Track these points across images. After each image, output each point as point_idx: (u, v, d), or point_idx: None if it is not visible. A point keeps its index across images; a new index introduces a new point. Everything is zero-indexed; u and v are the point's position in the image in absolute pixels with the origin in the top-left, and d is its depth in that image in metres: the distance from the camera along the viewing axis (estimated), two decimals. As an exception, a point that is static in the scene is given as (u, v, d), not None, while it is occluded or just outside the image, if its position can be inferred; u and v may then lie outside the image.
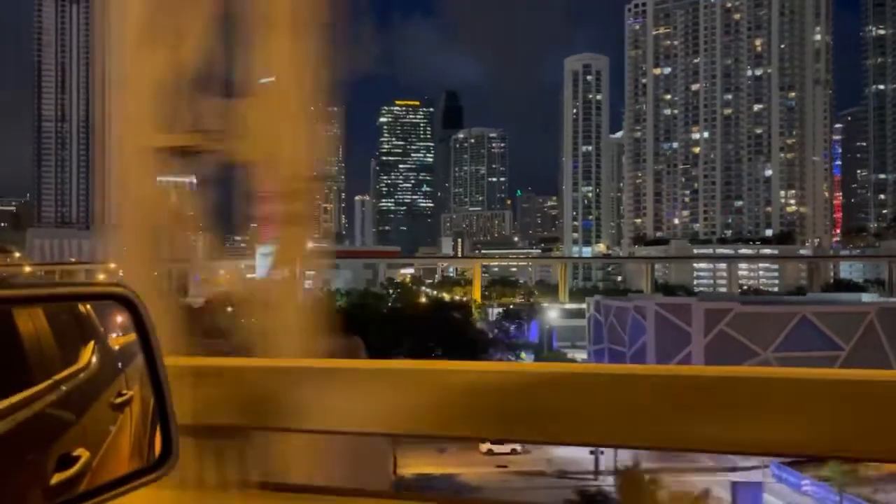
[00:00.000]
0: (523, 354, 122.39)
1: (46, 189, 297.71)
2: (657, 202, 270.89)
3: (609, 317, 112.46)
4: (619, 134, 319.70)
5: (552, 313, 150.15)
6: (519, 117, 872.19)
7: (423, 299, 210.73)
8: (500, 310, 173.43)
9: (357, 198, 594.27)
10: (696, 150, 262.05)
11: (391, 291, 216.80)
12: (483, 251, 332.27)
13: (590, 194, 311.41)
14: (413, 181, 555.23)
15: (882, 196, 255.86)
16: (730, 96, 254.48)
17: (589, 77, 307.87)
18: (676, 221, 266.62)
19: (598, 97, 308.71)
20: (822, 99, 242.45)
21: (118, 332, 2.22)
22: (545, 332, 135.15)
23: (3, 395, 1.67)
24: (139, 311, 1.90)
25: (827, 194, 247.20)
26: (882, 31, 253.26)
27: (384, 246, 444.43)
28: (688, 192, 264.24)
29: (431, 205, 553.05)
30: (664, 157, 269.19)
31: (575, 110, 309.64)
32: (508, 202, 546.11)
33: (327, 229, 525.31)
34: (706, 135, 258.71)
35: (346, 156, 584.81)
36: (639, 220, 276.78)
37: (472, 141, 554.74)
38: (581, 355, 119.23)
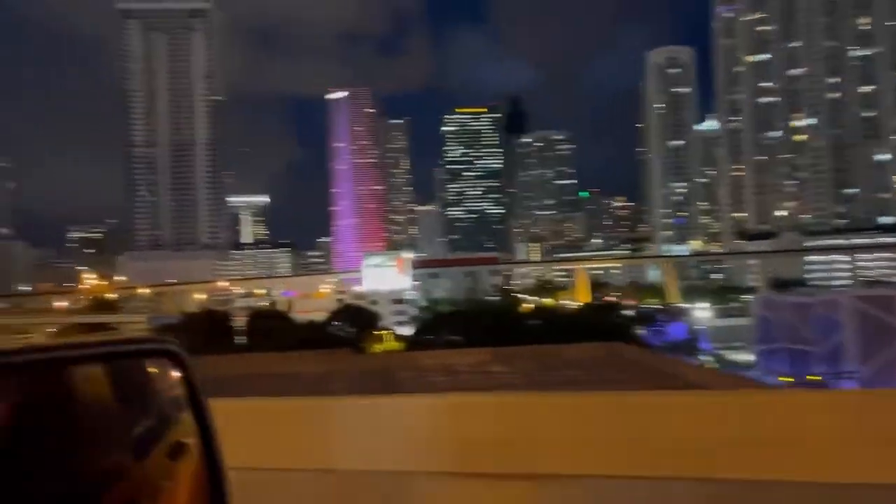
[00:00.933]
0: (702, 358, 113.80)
1: (139, 213, 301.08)
2: (759, 194, 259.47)
3: (784, 314, 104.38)
4: (704, 125, 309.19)
5: (699, 314, 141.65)
6: (583, 118, 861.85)
7: (534, 306, 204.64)
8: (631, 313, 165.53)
9: (421, 208, 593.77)
10: (800, 137, 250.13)
11: (502, 299, 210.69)
12: (561, 255, 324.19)
13: (679, 190, 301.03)
14: (481, 188, 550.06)
15: None
16: (835, 79, 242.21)
17: (673, 70, 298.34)
18: (781, 213, 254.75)
19: (685, 90, 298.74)
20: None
21: (170, 384, 2.30)
22: (693, 333, 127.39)
23: (64, 450, 1.73)
24: (186, 365, 1.93)
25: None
26: None
27: (455, 254, 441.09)
28: (792, 182, 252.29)
29: (501, 211, 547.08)
30: (764, 147, 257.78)
31: (662, 105, 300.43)
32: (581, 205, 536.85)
33: (399, 240, 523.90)
34: (811, 121, 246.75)
35: (411, 167, 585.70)
36: (739, 215, 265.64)
37: (539, 145, 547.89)
38: (743, 356, 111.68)
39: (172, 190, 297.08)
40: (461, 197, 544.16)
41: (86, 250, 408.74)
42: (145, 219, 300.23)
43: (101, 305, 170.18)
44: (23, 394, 1.66)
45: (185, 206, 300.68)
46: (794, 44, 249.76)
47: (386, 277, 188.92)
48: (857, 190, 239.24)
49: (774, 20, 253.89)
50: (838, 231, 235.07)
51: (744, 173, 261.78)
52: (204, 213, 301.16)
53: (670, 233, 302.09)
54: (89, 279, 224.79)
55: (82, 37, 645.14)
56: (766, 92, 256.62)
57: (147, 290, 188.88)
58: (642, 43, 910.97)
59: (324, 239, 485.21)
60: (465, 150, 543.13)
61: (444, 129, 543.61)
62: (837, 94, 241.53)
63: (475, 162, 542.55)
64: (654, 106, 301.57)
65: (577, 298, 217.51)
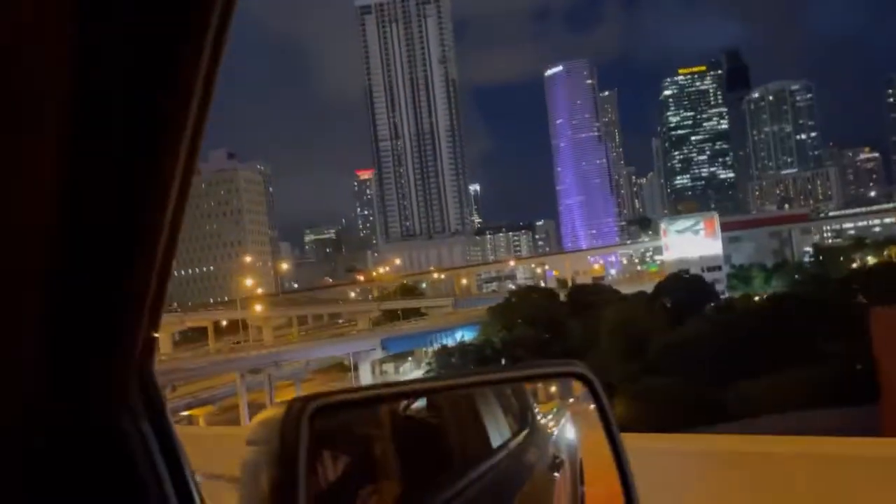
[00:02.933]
0: None
1: (389, 205, 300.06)
2: None
3: None
4: None
5: None
6: (814, 67, 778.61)
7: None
8: None
9: (641, 180, 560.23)
10: None
11: (821, 260, 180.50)
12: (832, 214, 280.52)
13: None
14: (709, 152, 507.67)
15: None
16: None
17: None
18: None
19: None
20: None
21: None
22: None
23: (471, 465, 1.90)
24: (595, 385, 2.00)
25: None
26: None
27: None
28: None
29: (732, 175, 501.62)
30: None
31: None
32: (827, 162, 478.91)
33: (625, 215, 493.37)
34: None
35: (622, 140, 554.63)
36: None
37: (771, 98, 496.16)
38: None
39: (417, 180, 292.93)
40: (687, 164, 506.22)
41: (327, 250, 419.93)
42: (395, 210, 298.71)
43: (405, 291, 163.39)
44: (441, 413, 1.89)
45: (433, 195, 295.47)
46: None
47: (694, 243, 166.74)
48: None
49: None
50: None
51: None
52: (452, 201, 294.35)
53: None
54: (372, 271, 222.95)
55: (322, 37, 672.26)
56: None
57: (441, 276, 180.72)
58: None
59: (540, 221, 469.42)
60: (686, 114, 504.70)
61: (665, 94, 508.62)
62: None
63: (702, 125, 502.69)
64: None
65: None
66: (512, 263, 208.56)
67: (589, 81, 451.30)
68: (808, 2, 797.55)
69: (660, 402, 49.03)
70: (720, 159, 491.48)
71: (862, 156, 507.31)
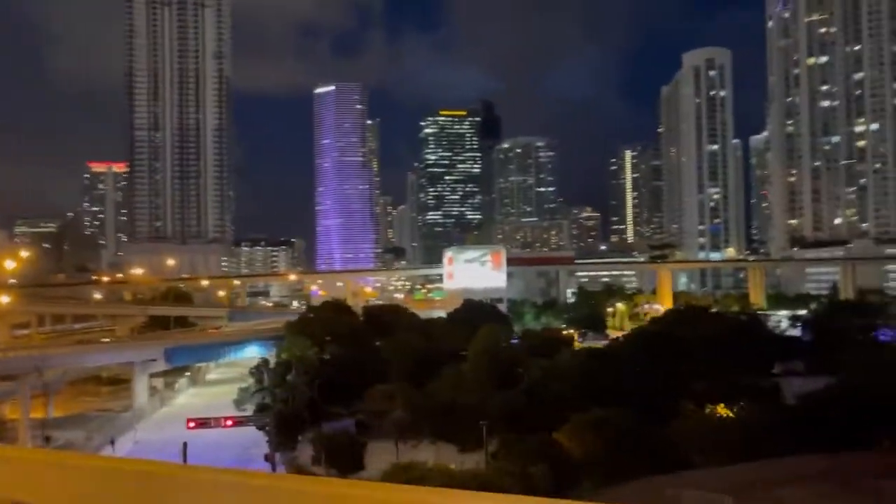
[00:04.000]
0: None
1: (140, 202, 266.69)
2: (815, 201, 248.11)
3: None
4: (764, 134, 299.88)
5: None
6: (557, 127, 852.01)
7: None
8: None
9: (395, 210, 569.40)
10: (862, 143, 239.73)
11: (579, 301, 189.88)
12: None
13: (716, 196, 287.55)
14: (461, 193, 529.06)
15: None
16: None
17: (712, 72, 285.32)
18: (838, 221, 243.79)
19: (723, 93, 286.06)
20: None
21: None
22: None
23: None
24: None
25: None
26: None
27: (430, 260, 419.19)
28: (852, 189, 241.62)
29: (480, 216, 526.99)
30: (823, 152, 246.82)
31: (695, 107, 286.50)
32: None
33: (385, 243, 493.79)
34: (874, 127, 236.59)
35: (381, 170, 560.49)
36: (794, 222, 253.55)
37: (519, 150, 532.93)
38: None
39: (178, 178, 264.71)
40: (440, 201, 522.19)
41: (44, 245, 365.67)
42: (146, 208, 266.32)
43: (176, 297, 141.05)
44: None
45: (191, 196, 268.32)
46: (857, 47, 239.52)
47: (481, 274, 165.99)
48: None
49: (836, 22, 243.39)
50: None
51: (800, 179, 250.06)
52: (213, 205, 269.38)
53: (702, 239, 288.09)
54: (116, 272, 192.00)
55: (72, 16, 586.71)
56: (826, 96, 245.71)
57: (206, 283, 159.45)
58: (606, 50, 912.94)
59: (295, 239, 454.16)
60: (444, 153, 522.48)
61: (425, 131, 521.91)
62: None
63: (455, 166, 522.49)
64: (691, 109, 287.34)
65: (662, 302, 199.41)
66: (293, 277, 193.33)
67: (359, 106, 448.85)
68: (555, 68, 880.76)
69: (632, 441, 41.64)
70: (470, 200, 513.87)
71: (584, 214, 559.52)
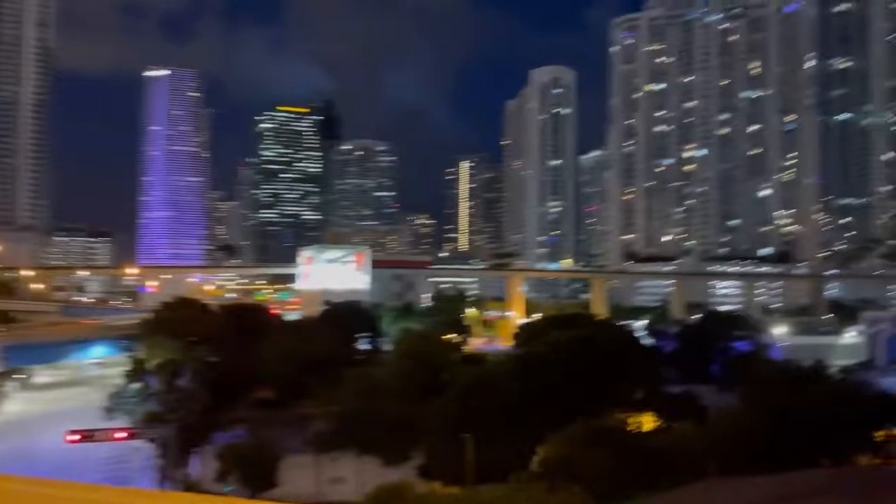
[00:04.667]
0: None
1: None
2: (648, 219, 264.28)
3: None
4: (595, 153, 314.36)
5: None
6: (394, 132, 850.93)
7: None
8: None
9: (225, 205, 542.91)
10: (690, 167, 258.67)
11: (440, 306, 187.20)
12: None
13: (556, 209, 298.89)
14: (299, 192, 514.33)
15: (848, 219, 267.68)
16: (726, 116, 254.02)
17: (557, 90, 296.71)
18: (667, 238, 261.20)
19: (567, 111, 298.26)
20: (816, 124, 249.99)
21: None
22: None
23: None
24: None
25: (818, 215, 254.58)
26: (848, 64, 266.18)
27: (264, 259, 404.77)
28: (680, 209, 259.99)
29: (319, 217, 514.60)
30: (657, 173, 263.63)
31: (542, 122, 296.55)
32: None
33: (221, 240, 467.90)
34: (702, 153, 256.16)
35: (212, 162, 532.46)
36: (628, 237, 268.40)
37: (360, 153, 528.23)
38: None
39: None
40: (276, 199, 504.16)
41: None
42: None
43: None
44: None
45: (3, 176, 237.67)
46: (690, 78, 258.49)
47: (342, 275, 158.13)
48: (739, 221, 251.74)
49: (673, 53, 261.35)
50: (722, 259, 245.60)
51: (636, 197, 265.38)
52: (27, 187, 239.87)
53: (541, 250, 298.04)
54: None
55: None
56: (661, 121, 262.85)
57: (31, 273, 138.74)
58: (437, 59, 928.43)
59: (116, 230, 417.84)
60: (282, 150, 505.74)
61: (262, 125, 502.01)
62: (727, 130, 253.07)
63: (293, 164, 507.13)
64: (536, 124, 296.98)
65: (514, 310, 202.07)
66: (133, 271, 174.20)
67: (194, 94, 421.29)
68: (397, 74, 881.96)
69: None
70: (307, 200, 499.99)
71: (420, 221, 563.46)
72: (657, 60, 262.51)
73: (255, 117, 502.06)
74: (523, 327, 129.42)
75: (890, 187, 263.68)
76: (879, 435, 47.38)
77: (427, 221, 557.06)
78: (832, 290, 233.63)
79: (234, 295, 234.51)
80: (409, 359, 63.99)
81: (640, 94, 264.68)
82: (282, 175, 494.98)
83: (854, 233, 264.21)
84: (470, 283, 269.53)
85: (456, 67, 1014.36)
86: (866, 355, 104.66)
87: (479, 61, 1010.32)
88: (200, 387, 58.93)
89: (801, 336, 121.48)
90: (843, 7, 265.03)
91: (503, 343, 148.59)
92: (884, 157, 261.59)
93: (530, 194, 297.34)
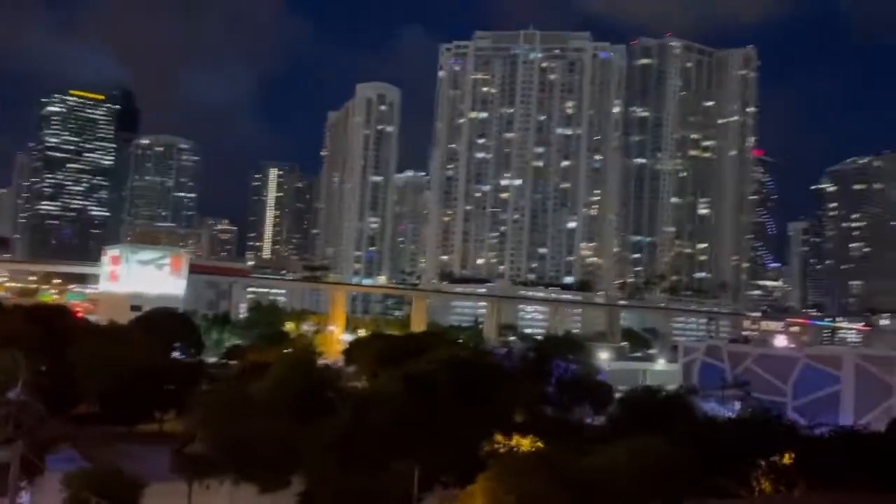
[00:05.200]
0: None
1: None
2: (465, 241, 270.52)
3: (741, 365, 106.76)
4: (407, 173, 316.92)
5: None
6: (198, 133, 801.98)
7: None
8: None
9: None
10: (506, 195, 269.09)
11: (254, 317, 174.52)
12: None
13: (374, 225, 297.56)
14: (86, 184, 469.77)
15: (637, 255, 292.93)
16: (541, 150, 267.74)
17: (383, 107, 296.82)
18: (481, 261, 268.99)
19: (391, 129, 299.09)
20: (620, 164, 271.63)
21: None
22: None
23: None
24: None
25: (617, 249, 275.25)
26: (644, 114, 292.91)
27: (41, 256, 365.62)
28: (495, 234, 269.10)
29: (108, 214, 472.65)
30: (474, 198, 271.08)
31: (365, 136, 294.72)
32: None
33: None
34: (517, 182, 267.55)
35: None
36: (445, 258, 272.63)
37: (160, 149, 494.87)
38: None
39: None
40: (58, 190, 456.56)
41: None
42: None
43: None
44: None
45: None
46: (510, 110, 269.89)
47: (156, 278, 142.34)
48: (547, 250, 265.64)
49: (497, 85, 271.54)
50: (530, 284, 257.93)
51: (454, 219, 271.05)
52: None
53: (358, 265, 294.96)
54: None
55: None
56: (482, 148, 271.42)
57: None
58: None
59: None
60: (70, 138, 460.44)
61: (49, 109, 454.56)
62: (541, 164, 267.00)
63: (82, 154, 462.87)
64: (360, 139, 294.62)
65: (335, 324, 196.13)
66: None
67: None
68: (204, 74, 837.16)
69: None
70: (96, 195, 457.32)
71: (221, 226, 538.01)
72: (482, 89, 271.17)
73: (42, 99, 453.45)
74: (357, 344, 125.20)
75: (674, 228, 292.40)
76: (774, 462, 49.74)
77: (229, 227, 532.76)
78: (624, 320, 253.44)
79: (7, 295, 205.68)
80: (286, 373, 57.93)
81: (464, 120, 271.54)
82: (69, 165, 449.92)
83: (642, 268, 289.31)
84: (278, 295, 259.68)
85: (273, 77, 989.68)
86: (681, 381, 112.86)
87: (298, 73, 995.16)
88: (34, 398, 48.77)
89: (617, 362, 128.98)
90: (645, 61, 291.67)
91: (328, 359, 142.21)
92: (672, 201, 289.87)
93: (349, 208, 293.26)
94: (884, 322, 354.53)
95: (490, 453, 57.28)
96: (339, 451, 49.29)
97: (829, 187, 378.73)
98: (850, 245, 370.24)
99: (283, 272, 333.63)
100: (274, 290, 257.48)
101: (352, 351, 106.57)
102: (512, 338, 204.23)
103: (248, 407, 55.90)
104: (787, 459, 51.39)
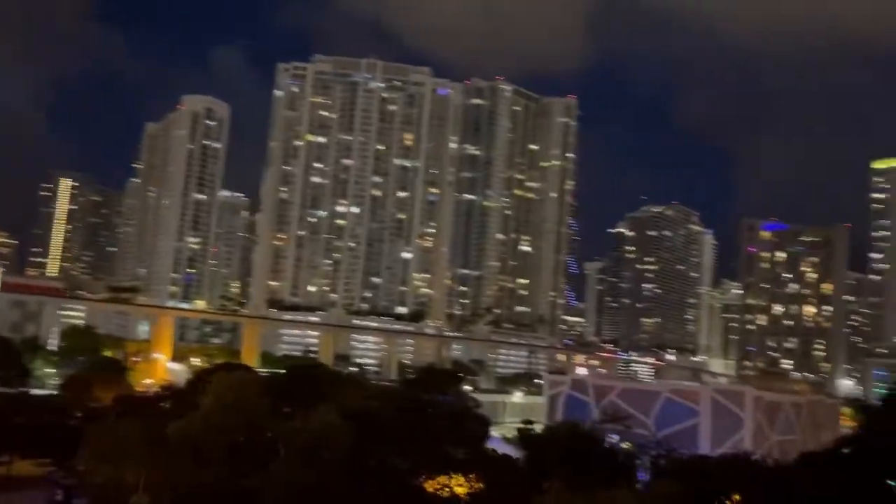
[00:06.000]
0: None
1: None
2: (297, 267, 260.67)
3: (606, 398, 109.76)
4: (224, 193, 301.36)
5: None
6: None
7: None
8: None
9: None
10: (342, 222, 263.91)
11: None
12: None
13: (195, 246, 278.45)
14: None
15: (464, 288, 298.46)
16: (379, 179, 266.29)
17: (210, 122, 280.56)
18: (313, 288, 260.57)
19: (218, 145, 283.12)
20: (452, 199, 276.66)
21: None
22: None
23: None
24: None
25: (448, 281, 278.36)
26: (476, 152, 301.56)
27: None
28: (329, 261, 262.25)
29: None
30: (309, 223, 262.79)
31: (189, 152, 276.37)
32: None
33: None
34: (354, 209, 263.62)
35: None
36: (275, 283, 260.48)
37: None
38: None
39: None
40: None
41: None
42: None
43: None
44: None
45: None
46: (349, 137, 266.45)
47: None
48: (381, 279, 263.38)
49: (336, 110, 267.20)
50: (364, 313, 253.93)
51: (286, 243, 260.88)
52: None
53: (174, 288, 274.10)
54: None
55: None
56: (319, 172, 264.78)
57: None
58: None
59: None
60: None
61: None
62: (379, 193, 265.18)
63: None
64: (183, 153, 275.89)
65: (161, 351, 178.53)
66: None
67: None
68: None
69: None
70: None
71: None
72: (321, 113, 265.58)
73: None
74: (214, 376, 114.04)
75: (498, 264, 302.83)
76: None
77: (7, 240, 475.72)
78: (455, 350, 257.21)
79: None
80: (222, 410, 50.54)
81: (301, 142, 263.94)
82: None
83: (468, 300, 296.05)
84: (76, 318, 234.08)
85: (77, 86, 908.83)
86: (547, 415, 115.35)
87: (107, 85, 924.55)
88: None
89: (475, 394, 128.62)
90: (478, 101, 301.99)
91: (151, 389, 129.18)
92: (497, 237, 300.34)
93: (168, 226, 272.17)
94: (669, 357, 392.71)
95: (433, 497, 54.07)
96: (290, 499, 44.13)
97: (627, 231, 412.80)
98: (643, 286, 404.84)
99: (78, 293, 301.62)
100: (72, 314, 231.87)
101: (203, 385, 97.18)
102: (353, 368, 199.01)
103: (185, 453, 48.40)
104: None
